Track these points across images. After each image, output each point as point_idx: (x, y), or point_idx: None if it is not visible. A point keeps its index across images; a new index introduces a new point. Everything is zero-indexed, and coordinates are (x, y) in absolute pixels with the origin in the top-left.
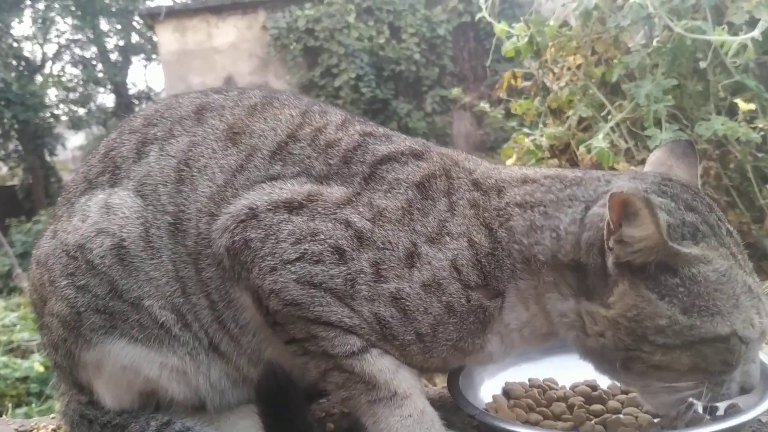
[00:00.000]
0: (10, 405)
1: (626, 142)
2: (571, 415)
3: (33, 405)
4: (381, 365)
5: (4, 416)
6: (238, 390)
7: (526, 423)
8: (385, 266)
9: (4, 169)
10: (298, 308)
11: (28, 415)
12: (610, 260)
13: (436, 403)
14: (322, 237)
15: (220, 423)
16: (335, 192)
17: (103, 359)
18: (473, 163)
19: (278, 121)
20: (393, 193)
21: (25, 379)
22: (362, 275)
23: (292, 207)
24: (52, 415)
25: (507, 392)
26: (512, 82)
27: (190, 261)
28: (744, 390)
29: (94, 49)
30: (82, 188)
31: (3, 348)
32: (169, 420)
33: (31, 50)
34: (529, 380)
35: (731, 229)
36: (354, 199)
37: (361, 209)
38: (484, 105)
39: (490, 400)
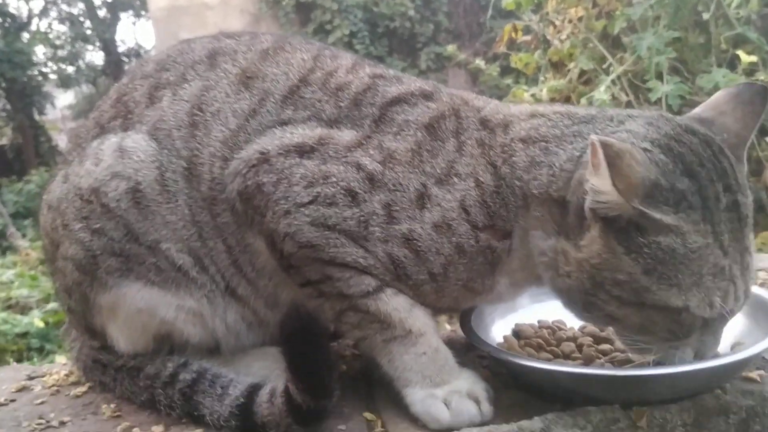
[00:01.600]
0: (11, 360)
1: (627, 95)
2: (581, 354)
3: (34, 360)
4: (395, 304)
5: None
6: (253, 333)
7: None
8: (397, 208)
9: None
10: (313, 250)
11: None
12: (586, 203)
13: (447, 343)
14: (334, 180)
15: (234, 364)
16: (345, 135)
17: (119, 302)
18: (483, 101)
19: (290, 66)
20: (402, 135)
21: (25, 335)
22: (375, 217)
23: (303, 151)
24: (63, 362)
25: (517, 333)
26: (513, 35)
27: (205, 206)
28: (697, 357)
29: (81, 5)
30: (94, 133)
31: (2, 304)
32: (185, 361)
33: (16, 6)
34: (539, 321)
35: (742, 203)
36: (364, 142)
37: (372, 152)
38: (480, 62)
39: (501, 340)
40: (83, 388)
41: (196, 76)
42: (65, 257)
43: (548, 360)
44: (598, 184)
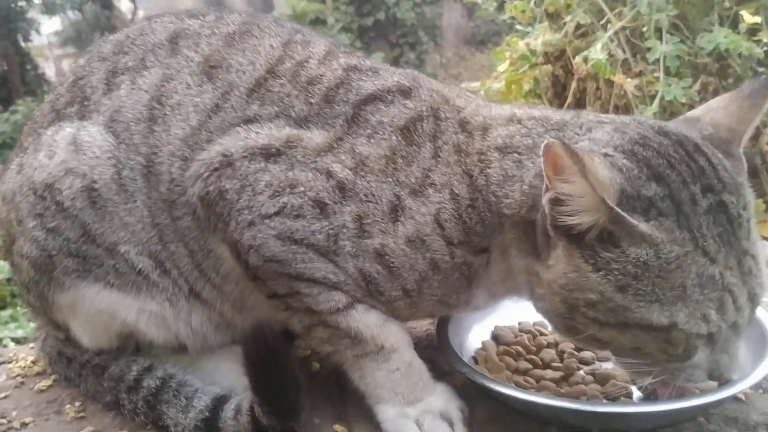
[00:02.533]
0: None
1: (624, 52)
2: (561, 364)
3: (18, 307)
4: (367, 320)
5: None
6: (221, 333)
7: (515, 371)
8: (369, 220)
9: None
10: (279, 264)
11: (13, 318)
12: (548, 221)
13: (423, 342)
14: (302, 189)
15: (202, 364)
16: (316, 137)
17: (78, 302)
18: (464, 100)
19: (257, 54)
20: (376, 139)
21: (8, 281)
22: (345, 230)
23: (269, 154)
24: (30, 345)
25: (496, 337)
26: None
27: (165, 208)
28: (713, 378)
29: None
30: (49, 118)
31: None
32: (150, 365)
33: None
34: (519, 323)
35: (730, 202)
36: (335, 146)
37: (343, 157)
38: None
39: (479, 345)
40: (48, 381)
41: (156, 63)
42: (21, 254)
43: (526, 370)
44: (567, 188)
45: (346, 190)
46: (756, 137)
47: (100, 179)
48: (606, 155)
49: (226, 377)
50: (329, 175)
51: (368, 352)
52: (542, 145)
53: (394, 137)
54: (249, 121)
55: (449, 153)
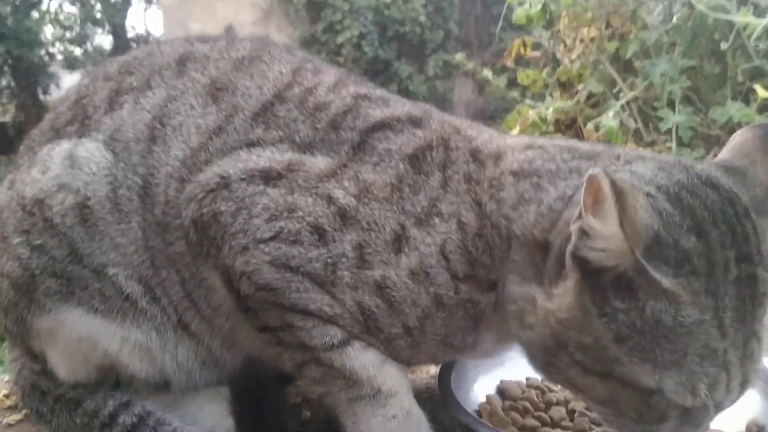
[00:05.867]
0: None
1: (636, 122)
2: (571, 423)
3: (5, 350)
4: (364, 360)
5: None
6: (207, 372)
7: (522, 428)
8: (370, 250)
9: None
10: (272, 293)
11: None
12: (568, 248)
13: (423, 395)
14: (301, 214)
15: (185, 405)
16: (319, 162)
17: (58, 328)
18: (476, 130)
19: (265, 79)
20: (383, 166)
21: None
22: (344, 259)
23: (269, 177)
24: (6, 378)
25: (502, 391)
26: (521, 50)
27: (159, 231)
28: None
29: None
30: (48, 137)
31: None
32: (128, 401)
33: None
34: (527, 379)
35: (761, 278)
36: (339, 172)
37: (347, 183)
38: (487, 73)
39: (484, 399)
40: (19, 416)
41: (161, 84)
42: (1, 273)
43: (534, 428)
44: (598, 226)
45: (347, 218)
46: None
47: (94, 196)
48: (648, 195)
49: (209, 418)
50: (330, 200)
51: (363, 395)
52: (588, 173)
53: (401, 165)
54: (251, 144)
55: (459, 182)
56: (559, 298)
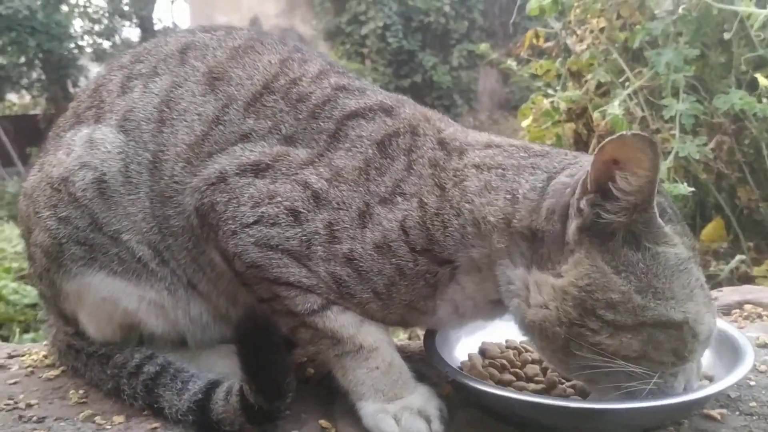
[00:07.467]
0: (17, 330)
1: (642, 110)
2: (544, 378)
3: (40, 331)
4: (343, 321)
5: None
6: (219, 326)
7: (499, 382)
8: (339, 227)
9: (27, 98)
10: (258, 270)
11: (34, 341)
12: (573, 226)
13: (416, 356)
14: (279, 199)
15: (200, 360)
16: (301, 153)
17: (84, 290)
18: (445, 123)
19: (256, 69)
20: (353, 152)
21: (33, 306)
22: (317, 236)
23: (258, 169)
24: (44, 342)
25: (483, 351)
26: (534, 41)
27: (161, 201)
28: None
29: None
30: (71, 122)
31: (14, 274)
32: (152, 354)
33: None
34: (507, 341)
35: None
36: (317, 160)
37: (321, 169)
38: (511, 63)
39: (466, 358)
40: (56, 372)
41: (167, 71)
42: (35, 244)
43: (510, 382)
44: (626, 182)
45: (320, 200)
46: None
47: (109, 171)
48: None
49: (223, 370)
50: (306, 186)
51: (347, 351)
52: (619, 135)
53: (370, 150)
54: (245, 136)
55: (423, 166)
56: (573, 271)
